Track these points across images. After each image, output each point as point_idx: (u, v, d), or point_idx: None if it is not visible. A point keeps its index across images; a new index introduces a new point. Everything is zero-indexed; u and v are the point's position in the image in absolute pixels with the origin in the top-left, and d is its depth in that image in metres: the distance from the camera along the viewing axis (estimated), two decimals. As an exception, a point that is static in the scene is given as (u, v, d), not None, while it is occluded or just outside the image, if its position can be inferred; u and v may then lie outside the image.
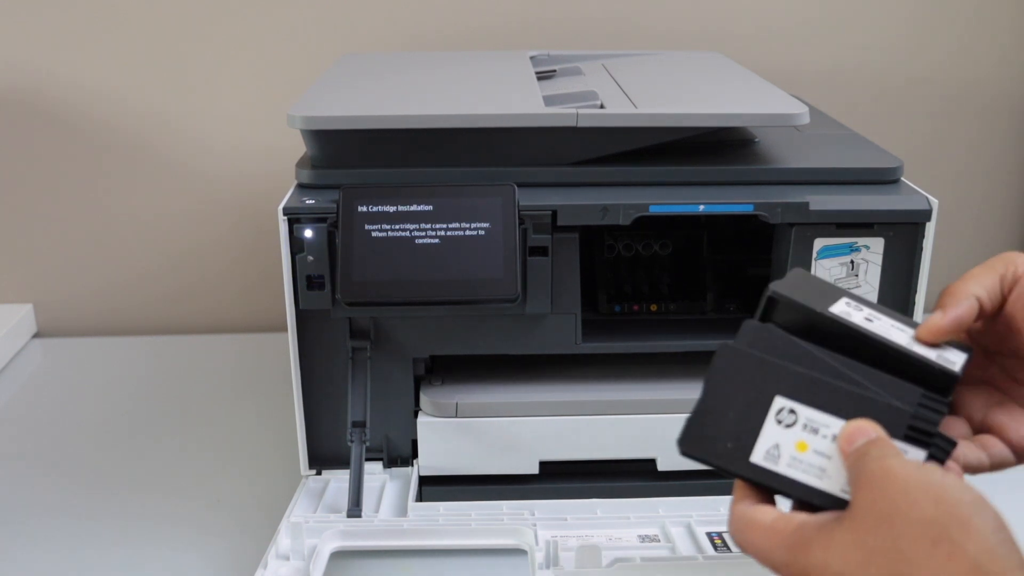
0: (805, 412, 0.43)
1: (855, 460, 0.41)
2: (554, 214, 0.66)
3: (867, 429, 0.42)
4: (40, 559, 0.70)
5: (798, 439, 0.43)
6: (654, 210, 0.66)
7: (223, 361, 1.04)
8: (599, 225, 0.67)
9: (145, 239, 1.10)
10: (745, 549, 0.43)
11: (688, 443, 0.44)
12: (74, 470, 0.82)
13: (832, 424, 0.43)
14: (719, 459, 0.44)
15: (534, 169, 0.69)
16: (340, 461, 0.72)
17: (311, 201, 0.66)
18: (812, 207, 0.67)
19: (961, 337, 0.47)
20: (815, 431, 0.43)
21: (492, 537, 0.65)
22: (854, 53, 1.08)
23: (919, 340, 0.45)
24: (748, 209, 0.66)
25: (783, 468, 0.43)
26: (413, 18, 1.05)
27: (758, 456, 0.43)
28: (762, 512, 0.43)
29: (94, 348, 1.08)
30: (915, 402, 0.43)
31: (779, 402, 0.43)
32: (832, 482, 0.42)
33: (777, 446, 0.43)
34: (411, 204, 0.66)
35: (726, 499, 0.67)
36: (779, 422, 0.43)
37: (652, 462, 0.72)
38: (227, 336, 1.10)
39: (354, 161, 0.68)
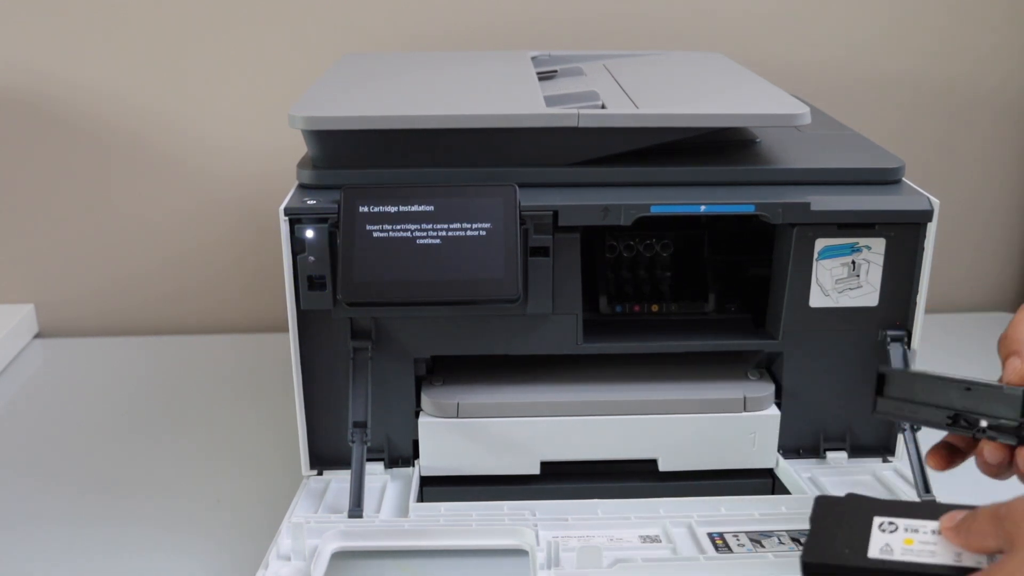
0: (902, 522, 0.51)
1: (968, 524, 0.48)
2: (555, 214, 0.66)
3: (962, 510, 0.49)
4: (40, 560, 0.70)
5: (904, 537, 0.50)
6: (655, 210, 0.66)
7: (223, 361, 1.04)
8: (600, 225, 0.67)
9: (146, 239, 1.10)
10: None
11: (809, 554, 0.50)
12: (74, 470, 0.82)
13: (929, 524, 0.50)
14: (840, 559, 0.50)
15: (535, 169, 0.69)
16: (341, 461, 0.72)
17: (312, 201, 0.66)
18: (813, 207, 0.67)
19: None
20: (916, 531, 0.50)
21: (493, 538, 0.65)
22: (855, 53, 1.08)
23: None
24: (749, 209, 0.66)
25: (898, 556, 0.49)
26: (413, 18, 1.05)
27: (874, 552, 0.50)
28: None
29: (95, 348, 1.08)
30: None
31: (878, 519, 0.51)
32: (944, 556, 0.49)
33: (888, 545, 0.50)
34: (412, 204, 0.66)
35: (727, 500, 0.68)
36: (883, 530, 0.51)
37: (653, 462, 0.72)
38: (228, 336, 1.10)
39: (355, 161, 0.68)
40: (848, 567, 0.50)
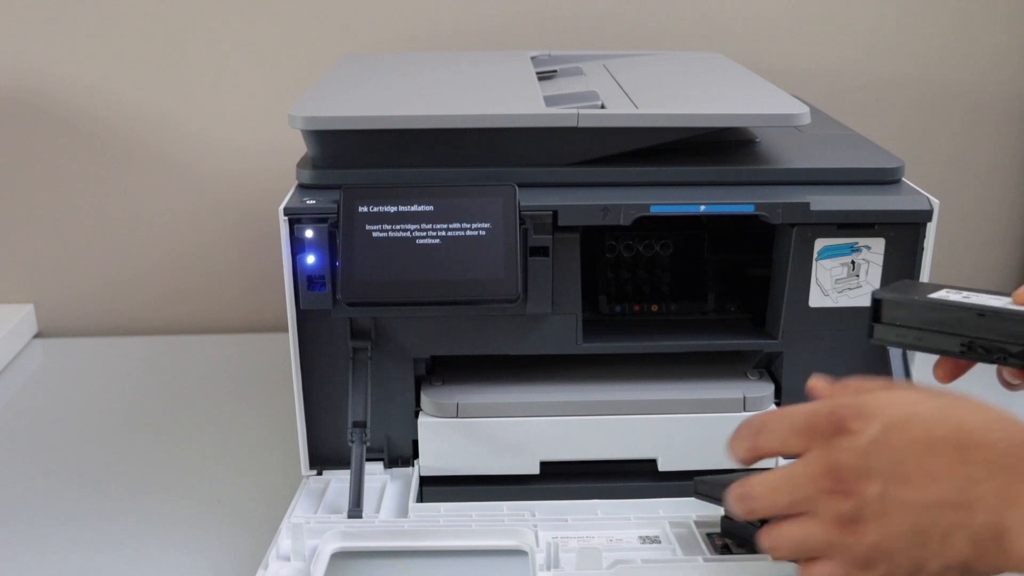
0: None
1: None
2: (555, 214, 0.66)
3: None
4: (39, 559, 0.70)
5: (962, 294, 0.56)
6: (655, 210, 0.66)
7: (223, 361, 1.04)
8: (600, 225, 0.67)
9: (146, 239, 1.10)
10: None
11: (880, 292, 0.57)
12: (74, 470, 0.82)
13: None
14: (909, 294, 0.56)
15: (535, 169, 0.69)
16: (341, 461, 0.72)
17: (312, 201, 0.66)
18: (813, 207, 0.67)
19: None
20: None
21: (493, 538, 0.65)
22: (855, 53, 1.08)
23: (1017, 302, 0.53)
24: (749, 209, 0.66)
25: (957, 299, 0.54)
26: (413, 18, 1.05)
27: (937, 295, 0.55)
28: None
29: (94, 348, 1.08)
30: None
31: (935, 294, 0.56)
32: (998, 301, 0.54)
33: (946, 294, 0.55)
34: (412, 204, 0.66)
35: (727, 500, 0.67)
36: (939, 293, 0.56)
37: (653, 462, 0.72)
38: (227, 336, 1.10)
39: (355, 161, 0.68)
40: (916, 301, 0.53)
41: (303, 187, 0.69)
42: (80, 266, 1.11)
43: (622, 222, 0.66)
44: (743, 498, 0.49)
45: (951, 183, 1.12)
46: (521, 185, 0.66)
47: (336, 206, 0.65)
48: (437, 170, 0.68)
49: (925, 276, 0.69)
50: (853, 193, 0.68)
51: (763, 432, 0.50)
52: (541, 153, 0.68)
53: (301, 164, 0.70)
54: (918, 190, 0.69)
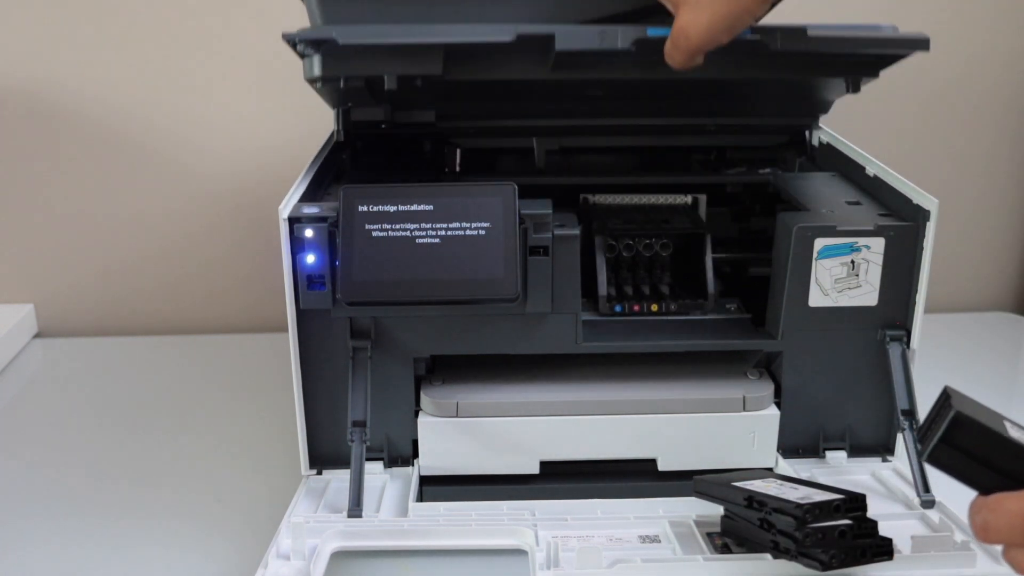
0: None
1: None
2: (552, 38, 0.62)
3: None
4: (39, 559, 0.70)
5: None
6: (652, 33, 0.62)
7: (223, 361, 1.04)
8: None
9: (146, 239, 1.10)
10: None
11: (961, 404, 0.48)
12: (74, 470, 0.82)
13: None
14: (989, 423, 0.47)
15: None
16: (341, 461, 0.72)
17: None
18: (813, 207, 0.67)
19: None
20: None
21: (492, 537, 0.65)
22: (855, 53, 1.08)
23: None
24: (745, 34, 0.63)
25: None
26: (414, 18, 1.05)
27: (1014, 435, 0.47)
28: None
29: (94, 348, 1.08)
30: None
31: (1007, 421, 0.49)
32: None
33: (1022, 438, 0.48)
34: (411, 204, 0.66)
35: (727, 499, 0.68)
36: (1013, 426, 0.48)
37: (653, 462, 0.72)
38: (227, 336, 1.10)
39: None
40: (994, 434, 0.47)
41: (303, 187, 0.69)
42: (80, 266, 1.11)
43: (620, 46, 0.63)
44: (985, 528, 0.48)
45: (951, 183, 1.12)
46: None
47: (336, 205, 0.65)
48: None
49: (925, 276, 0.68)
50: (853, 192, 0.68)
51: (990, 531, 0.48)
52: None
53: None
54: (917, 189, 0.69)
